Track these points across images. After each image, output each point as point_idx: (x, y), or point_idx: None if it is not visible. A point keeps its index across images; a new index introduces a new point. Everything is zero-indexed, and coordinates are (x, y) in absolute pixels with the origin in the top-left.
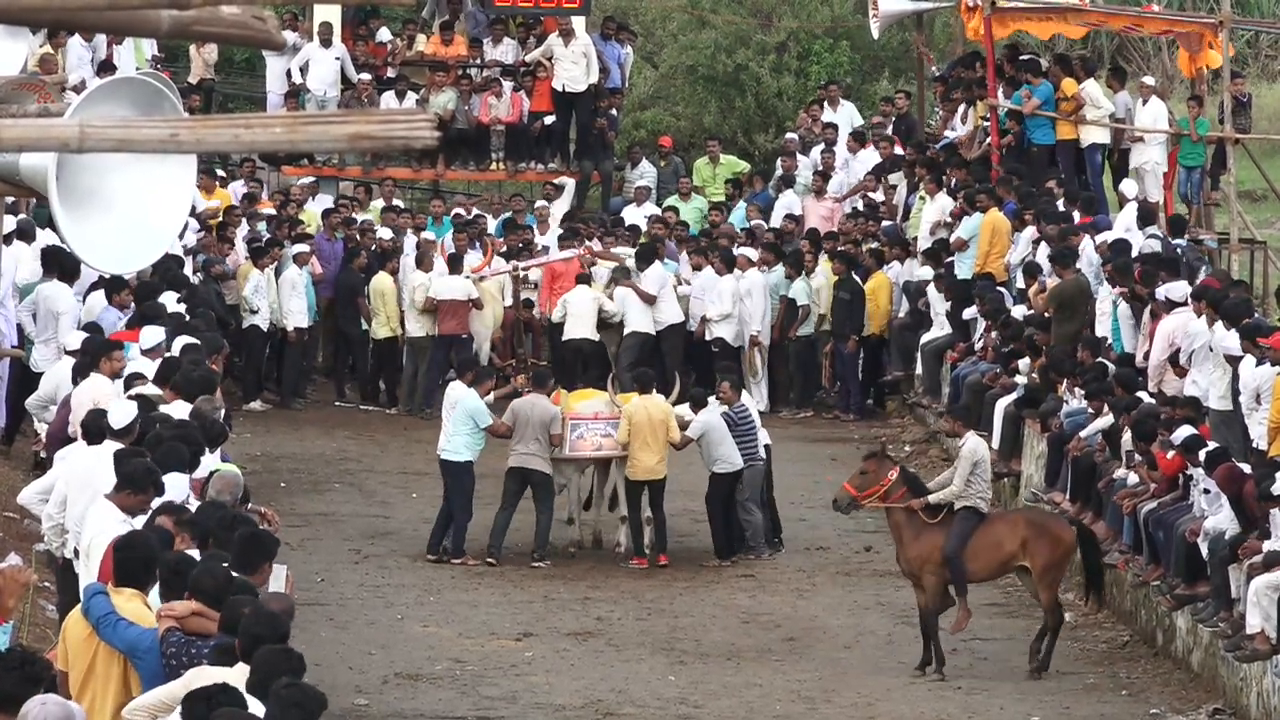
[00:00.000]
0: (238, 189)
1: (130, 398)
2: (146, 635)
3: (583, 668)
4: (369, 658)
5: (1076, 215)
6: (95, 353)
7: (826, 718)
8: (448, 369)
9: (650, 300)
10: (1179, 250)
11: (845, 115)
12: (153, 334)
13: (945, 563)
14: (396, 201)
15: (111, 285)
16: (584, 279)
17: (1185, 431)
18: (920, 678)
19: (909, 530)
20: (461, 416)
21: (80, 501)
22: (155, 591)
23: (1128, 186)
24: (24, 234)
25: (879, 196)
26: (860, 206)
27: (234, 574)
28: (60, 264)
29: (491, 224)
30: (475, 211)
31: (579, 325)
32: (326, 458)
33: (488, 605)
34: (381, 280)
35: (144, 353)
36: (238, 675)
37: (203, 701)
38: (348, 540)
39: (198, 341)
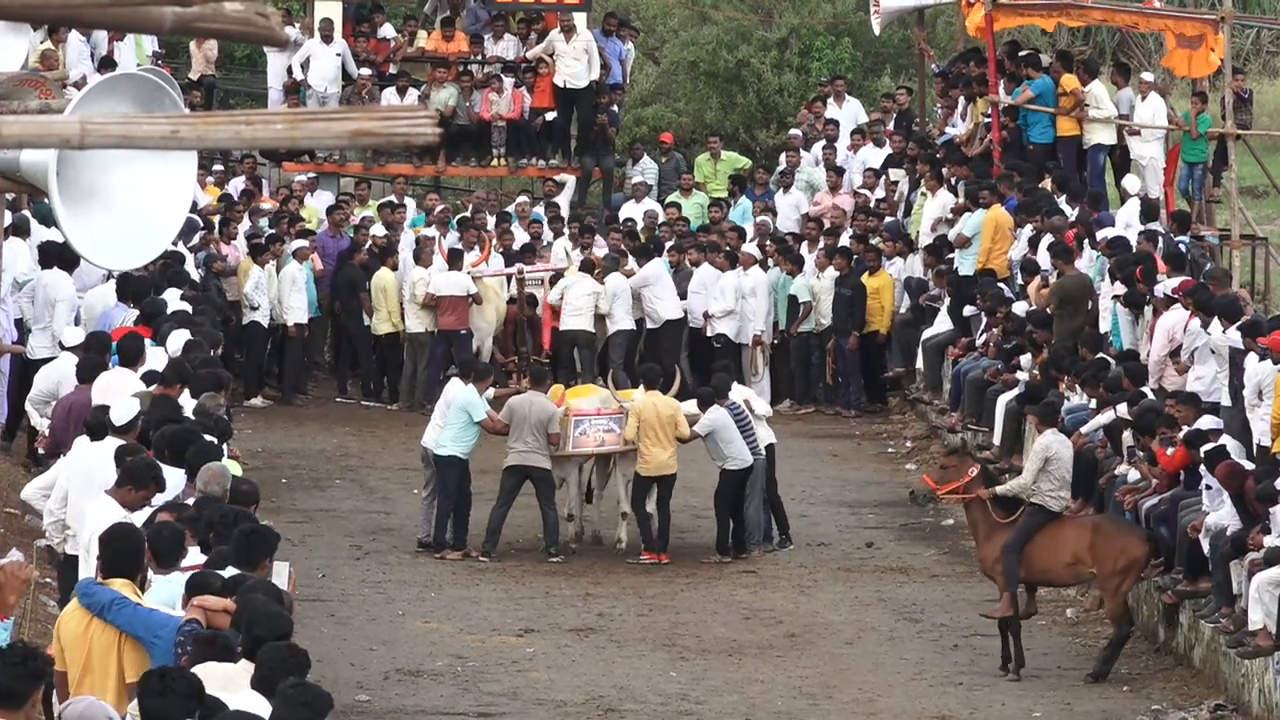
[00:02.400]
0: (238, 185)
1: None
2: (173, 620)
3: (584, 664)
4: (370, 654)
5: (1070, 211)
6: (130, 354)
7: (828, 714)
8: (448, 364)
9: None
10: (1183, 246)
11: (850, 111)
12: (181, 338)
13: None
14: (391, 198)
15: (122, 284)
16: (587, 267)
17: (1204, 423)
18: (1004, 676)
19: (983, 529)
20: (456, 411)
21: (82, 497)
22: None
23: (1130, 182)
24: (19, 230)
25: (879, 193)
26: (857, 202)
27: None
28: (58, 253)
29: (490, 220)
30: (440, 206)
31: (576, 318)
32: (328, 454)
33: (489, 601)
34: (383, 275)
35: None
36: (242, 671)
37: (158, 679)
38: (349, 536)
39: (202, 340)
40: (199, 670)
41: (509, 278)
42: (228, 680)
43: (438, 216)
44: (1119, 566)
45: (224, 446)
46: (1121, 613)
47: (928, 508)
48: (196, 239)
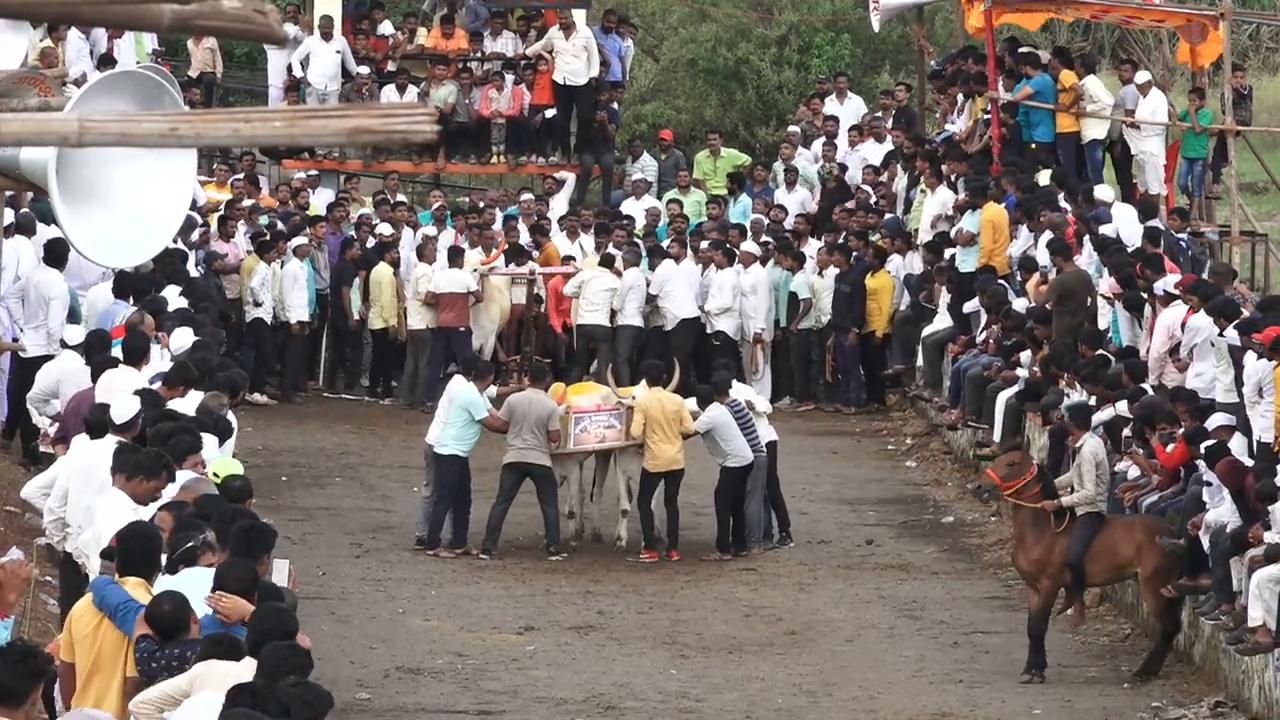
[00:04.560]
0: (235, 183)
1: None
2: None
3: (584, 662)
4: (370, 651)
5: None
6: (136, 351)
7: (828, 711)
8: (447, 361)
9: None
10: (1181, 243)
11: (852, 108)
12: (183, 336)
13: (1066, 567)
14: (400, 196)
15: (120, 281)
16: (607, 261)
17: (1217, 420)
18: (1028, 681)
19: (1033, 532)
20: (456, 409)
21: (82, 495)
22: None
23: (1102, 191)
24: (24, 228)
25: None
26: (857, 199)
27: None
28: (50, 251)
29: (499, 219)
30: (438, 203)
31: (594, 313)
32: (328, 451)
33: (489, 599)
34: (380, 271)
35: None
36: (245, 670)
37: (247, 695)
38: (349, 534)
39: (209, 340)
40: (201, 668)
41: (514, 276)
42: (231, 678)
43: (436, 214)
44: (1165, 566)
45: (227, 446)
46: (1167, 610)
47: (929, 505)
48: (195, 236)
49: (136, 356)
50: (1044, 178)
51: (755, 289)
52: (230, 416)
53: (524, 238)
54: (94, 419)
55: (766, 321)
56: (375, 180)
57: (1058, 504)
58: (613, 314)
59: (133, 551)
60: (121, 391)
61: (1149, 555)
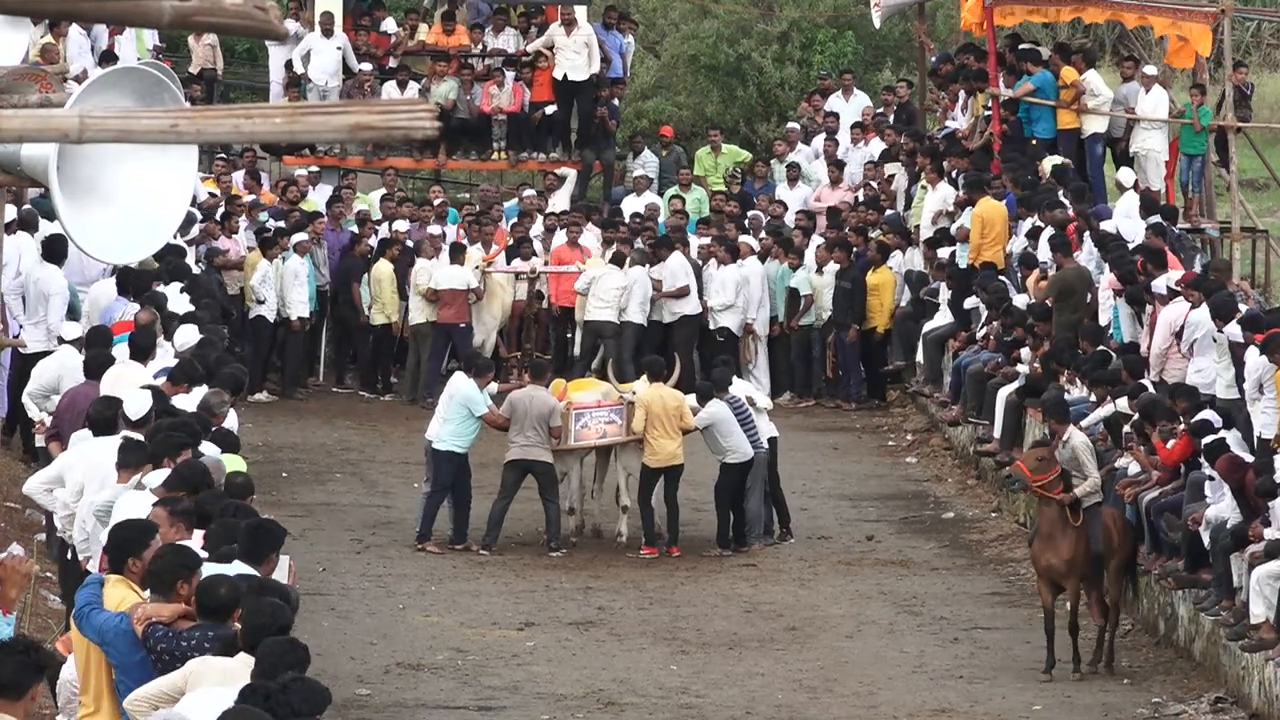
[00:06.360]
0: (238, 179)
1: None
2: (111, 620)
3: (584, 657)
4: (371, 647)
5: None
6: (143, 348)
7: (828, 707)
8: (448, 358)
9: (684, 293)
10: (1176, 238)
11: (857, 104)
12: (188, 333)
13: (1093, 559)
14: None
15: (122, 278)
16: (618, 259)
17: (1206, 416)
18: (1049, 679)
19: (1061, 531)
20: (456, 405)
21: (92, 491)
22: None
23: (1124, 175)
24: (26, 224)
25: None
26: (860, 196)
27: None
28: (49, 247)
29: (503, 215)
30: (439, 199)
31: (603, 310)
32: (328, 447)
33: (489, 595)
34: (380, 268)
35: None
36: (241, 666)
37: (261, 696)
38: (349, 530)
39: (214, 337)
40: (196, 664)
41: (518, 273)
42: (227, 675)
43: (437, 210)
44: (1130, 558)
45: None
46: (1118, 600)
47: (929, 501)
48: (195, 232)
49: (143, 353)
50: (1047, 166)
51: (748, 280)
52: (231, 413)
53: (535, 229)
54: (100, 415)
55: (759, 313)
56: (374, 176)
57: (1073, 496)
58: (619, 311)
59: (120, 546)
60: (132, 387)
61: (1123, 545)
